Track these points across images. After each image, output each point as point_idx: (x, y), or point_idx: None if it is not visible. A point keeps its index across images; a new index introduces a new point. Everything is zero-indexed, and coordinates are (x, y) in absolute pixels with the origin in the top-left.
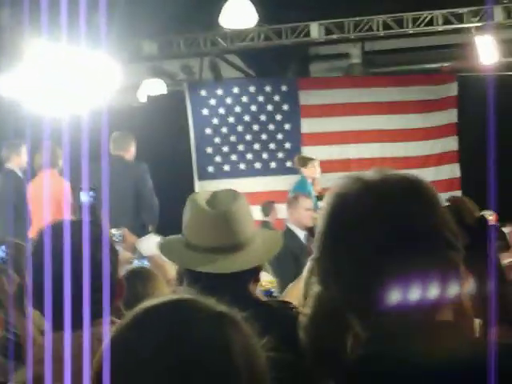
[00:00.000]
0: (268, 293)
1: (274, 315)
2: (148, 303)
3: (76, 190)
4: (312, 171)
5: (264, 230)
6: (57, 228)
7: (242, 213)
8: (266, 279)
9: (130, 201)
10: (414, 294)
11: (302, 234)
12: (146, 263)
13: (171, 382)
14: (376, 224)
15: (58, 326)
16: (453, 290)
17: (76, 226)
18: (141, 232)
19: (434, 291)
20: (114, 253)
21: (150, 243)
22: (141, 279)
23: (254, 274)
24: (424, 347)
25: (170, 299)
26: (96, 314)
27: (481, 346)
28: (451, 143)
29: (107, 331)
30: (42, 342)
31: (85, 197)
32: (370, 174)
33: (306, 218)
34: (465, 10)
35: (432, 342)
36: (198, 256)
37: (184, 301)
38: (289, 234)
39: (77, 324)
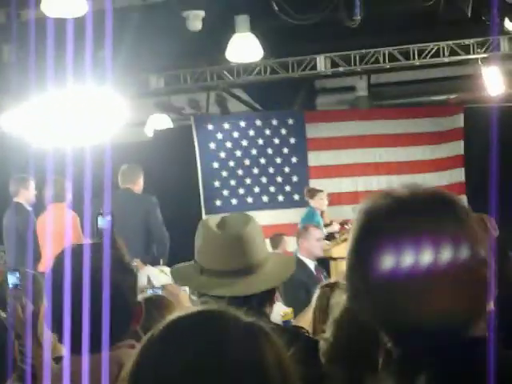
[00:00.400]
0: (287, 323)
1: (289, 336)
2: (176, 315)
3: (94, 215)
4: (320, 203)
5: (276, 254)
6: (76, 251)
7: (254, 235)
8: (285, 310)
9: (141, 234)
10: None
11: (312, 265)
12: (159, 293)
13: None
14: (405, 242)
15: (76, 349)
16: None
17: (95, 248)
18: (152, 265)
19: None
20: (132, 275)
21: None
22: (156, 306)
23: (269, 296)
24: None
25: (199, 310)
26: (115, 338)
27: None
28: (458, 175)
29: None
30: (57, 369)
31: (103, 222)
32: (398, 190)
33: (316, 248)
34: (471, 40)
35: None
36: (212, 280)
37: (213, 312)
38: (299, 264)
39: (95, 347)
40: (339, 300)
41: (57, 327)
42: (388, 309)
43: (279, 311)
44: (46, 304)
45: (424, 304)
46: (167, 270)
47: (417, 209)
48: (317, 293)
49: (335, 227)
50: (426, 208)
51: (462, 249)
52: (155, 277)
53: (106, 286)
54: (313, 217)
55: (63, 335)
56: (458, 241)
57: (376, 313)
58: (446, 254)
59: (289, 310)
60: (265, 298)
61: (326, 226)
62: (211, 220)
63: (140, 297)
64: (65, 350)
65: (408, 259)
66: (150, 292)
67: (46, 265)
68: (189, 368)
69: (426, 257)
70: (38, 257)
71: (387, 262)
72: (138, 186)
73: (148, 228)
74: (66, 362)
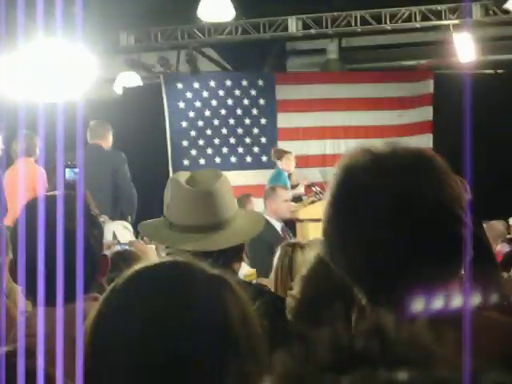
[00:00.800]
0: None
1: (254, 291)
2: (141, 265)
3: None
4: (287, 164)
5: (245, 211)
6: (47, 200)
7: (224, 191)
8: (249, 270)
9: (109, 190)
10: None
11: (278, 226)
12: (127, 248)
13: (170, 345)
14: (381, 197)
15: (44, 301)
16: (462, 266)
17: (66, 198)
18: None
19: (442, 268)
20: (99, 228)
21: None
22: (124, 260)
23: (237, 252)
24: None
25: (164, 261)
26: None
27: None
28: (426, 141)
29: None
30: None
31: (70, 173)
32: (379, 146)
33: (283, 209)
34: (443, 6)
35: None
36: (180, 235)
37: (179, 262)
38: (266, 224)
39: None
40: (304, 258)
41: (25, 279)
42: (361, 266)
43: (243, 272)
44: (10, 255)
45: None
46: (129, 226)
47: (396, 165)
48: (278, 252)
49: (301, 189)
50: (406, 165)
51: (439, 206)
52: (120, 232)
53: (80, 236)
54: (280, 178)
55: (31, 287)
56: (435, 198)
57: (351, 268)
58: (424, 211)
59: (252, 270)
60: (232, 255)
61: (293, 187)
62: (181, 175)
63: (108, 252)
64: (30, 302)
65: (385, 214)
66: (117, 247)
67: (13, 219)
68: (150, 319)
69: (404, 212)
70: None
71: (364, 216)
72: (107, 141)
73: (116, 184)
74: (40, 313)
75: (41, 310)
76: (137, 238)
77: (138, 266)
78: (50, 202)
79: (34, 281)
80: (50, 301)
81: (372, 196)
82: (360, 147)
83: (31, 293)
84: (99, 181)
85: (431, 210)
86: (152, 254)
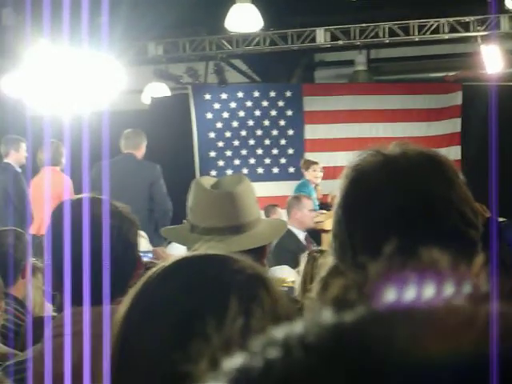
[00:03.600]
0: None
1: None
2: (180, 256)
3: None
4: (313, 175)
5: (267, 219)
6: (75, 203)
7: (246, 194)
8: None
9: (145, 202)
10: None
11: (302, 235)
12: (150, 256)
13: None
14: (393, 199)
15: (78, 301)
16: (469, 268)
17: (94, 200)
18: (154, 235)
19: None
20: (135, 226)
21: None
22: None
23: (258, 257)
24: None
25: (202, 253)
26: (117, 291)
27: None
28: (454, 152)
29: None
30: (58, 320)
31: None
32: (390, 148)
33: (308, 218)
34: (471, 18)
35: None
36: (200, 237)
37: (218, 255)
38: (289, 235)
39: (97, 300)
40: (326, 261)
41: (58, 281)
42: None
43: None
44: (45, 259)
45: None
46: (144, 234)
47: (407, 167)
48: (304, 258)
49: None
50: (416, 166)
51: (448, 208)
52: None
53: (106, 235)
54: (305, 187)
55: (65, 288)
56: (446, 199)
57: (360, 269)
58: (434, 212)
59: (283, 277)
60: (254, 259)
61: (320, 201)
62: (205, 179)
63: None
64: (65, 303)
65: (395, 215)
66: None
67: (38, 227)
68: (185, 310)
69: (414, 213)
70: (26, 219)
71: (374, 217)
72: (141, 151)
73: (152, 197)
74: (68, 313)
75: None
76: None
77: (176, 256)
78: (77, 206)
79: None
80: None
81: (382, 197)
82: (370, 148)
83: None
84: (135, 193)
85: (442, 211)
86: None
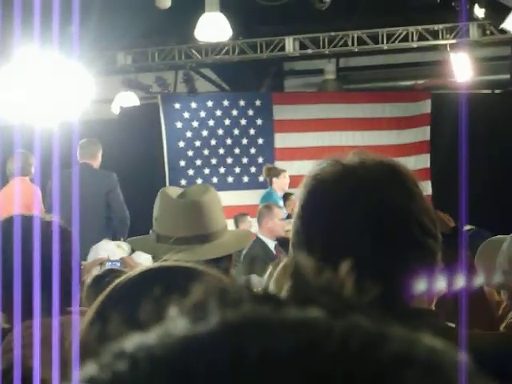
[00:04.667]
0: None
1: None
2: (145, 267)
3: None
4: (283, 182)
5: (233, 230)
6: (23, 221)
7: (212, 204)
8: None
9: (101, 211)
10: (389, 280)
11: (272, 245)
12: (118, 265)
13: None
14: (352, 209)
15: (26, 315)
16: (429, 277)
17: (29, 220)
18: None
19: (409, 278)
20: (68, 241)
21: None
22: (114, 277)
23: (227, 264)
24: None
25: (171, 265)
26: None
27: (453, 334)
28: (423, 161)
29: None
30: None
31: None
32: (348, 157)
33: (278, 227)
34: (440, 26)
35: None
36: (165, 246)
37: (184, 266)
38: (260, 244)
39: (46, 312)
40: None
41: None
42: None
43: None
44: None
45: None
46: (124, 245)
47: (366, 176)
48: (268, 270)
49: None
50: (375, 176)
51: (408, 218)
52: (112, 252)
53: (37, 255)
54: (272, 197)
55: (11, 302)
56: (405, 209)
57: None
58: (393, 222)
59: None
60: (220, 268)
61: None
62: (170, 189)
63: (99, 269)
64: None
65: (354, 225)
66: (109, 264)
67: None
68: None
69: (373, 223)
70: None
71: (333, 227)
72: (97, 161)
73: (109, 205)
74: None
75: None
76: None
77: (143, 267)
78: (7, 224)
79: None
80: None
81: (340, 208)
82: (329, 158)
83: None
84: (92, 201)
85: (400, 220)
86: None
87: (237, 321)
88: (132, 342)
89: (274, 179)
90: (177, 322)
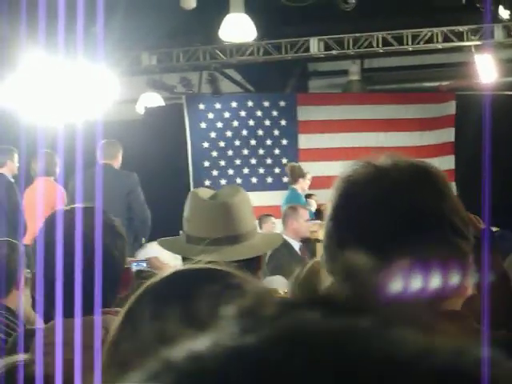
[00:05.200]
0: None
1: None
2: (181, 267)
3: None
4: (307, 184)
5: (263, 232)
6: (67, 214)
7: (242, 205)
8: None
9: (122, 211)
10: (420, 281)
11: (297, 246)
12: (144, 265)
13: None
14: (385, 211)
15: (67, 313)
16: (461, 278)
17: (87, 211)
18: (133, 243)
19: (440, 279)
20: (122, 240)
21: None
22: (142, 279)
23: (253, 267)
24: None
25: (200, 268)
26: (102, 303)
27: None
28: (448, 162)
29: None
30: (47, 330)
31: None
32: (381, 159)
33: (304, 228)
34: (465, 27)
35: (430, 331)
36: (195, 247)
37: (215, 268)
38: (285, 245)
39: (84, 311)
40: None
41: (47, 291)
42: None
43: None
44: (37, 268)
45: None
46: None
47: (399, 178)
48: (295, 272)
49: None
50: (408, 178)
51: (440, 219)
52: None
53: (99, 248)
54: (298, 198)
55: (54, 299)
56: (437, 210)
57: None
58: (425, 222)
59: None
60: (250, 270)
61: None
62: (201, 190)
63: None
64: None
65: (386, 227)
66: (134, 265)
67: (31, 237)
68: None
69: (405, 224)
70: (20, 230)
71: (365, 229)
72: (118, 161)
73: (130, 205)
74: (58, 324)
75: (59, 321)
76: None
77: (176, 268)
78: (70, 215)
79: (53, 293)
80: (69, 312)
81: (373, 209)
82: (361, 159)
83: (50, 305)
84: (113, 202)
85: (433, 222)
86: (169, 269)
87: (286, 334)
88: (180, 351)
89: (300, 179)
90: (225, 331)
